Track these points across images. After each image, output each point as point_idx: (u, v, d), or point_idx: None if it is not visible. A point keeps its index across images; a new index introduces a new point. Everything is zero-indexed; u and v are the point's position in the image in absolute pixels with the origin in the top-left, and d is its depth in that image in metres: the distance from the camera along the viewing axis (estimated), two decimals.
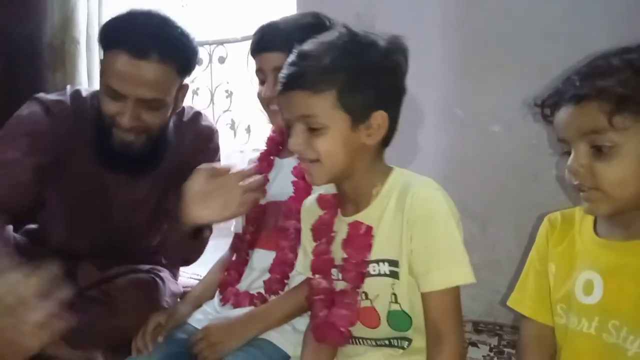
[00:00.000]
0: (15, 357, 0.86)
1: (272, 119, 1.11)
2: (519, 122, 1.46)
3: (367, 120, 0.80)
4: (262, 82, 1.09)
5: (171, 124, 1.26)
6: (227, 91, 2.60)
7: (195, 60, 1.20)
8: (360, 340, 0.89)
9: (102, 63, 1.15)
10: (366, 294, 0.85)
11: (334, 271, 0.89)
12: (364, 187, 0.84)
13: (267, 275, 1.06)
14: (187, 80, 1.22)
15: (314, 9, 1.50)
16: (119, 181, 1.25)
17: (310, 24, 1.04)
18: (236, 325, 0.98)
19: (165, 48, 1.10)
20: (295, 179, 1.07)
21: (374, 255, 0.84)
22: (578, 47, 1.37)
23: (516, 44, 1.49)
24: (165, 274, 1.34)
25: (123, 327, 1.08)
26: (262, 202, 1.13)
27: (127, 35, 1.09)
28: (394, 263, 0.82)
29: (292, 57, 0.81)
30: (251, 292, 1.07)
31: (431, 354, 0.80)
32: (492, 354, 1.32)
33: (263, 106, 1.11)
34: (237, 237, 1.17)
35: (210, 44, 2.62)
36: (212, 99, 2.70)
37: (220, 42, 2.58)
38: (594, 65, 0.74)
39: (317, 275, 0.90)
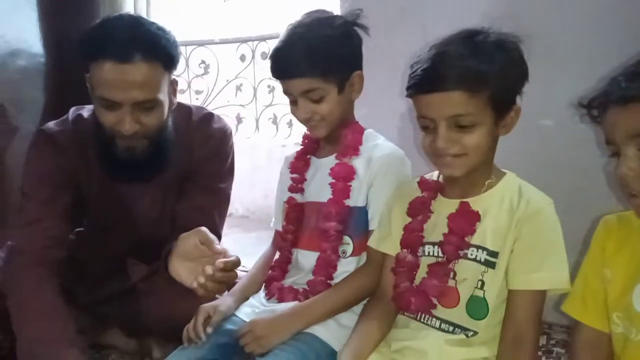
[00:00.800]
0: None
1: (312, 132, 1.12)
2: (570, 118, 1.42)
3: (508, 115, 0.87)
4: (293, 103, 1.08)
5: (173, 123, 1.26)
6: (269, 86, 2.65)
7: (178, 53, 1.19)
8: (428, 318, 0.92)
9: (90, 77, 1.14)
10: (455, 274, 0.90)
11: (425, 248, 0.95)
12: (479, 178, 0.91)
13: (310, 276, 1.08)
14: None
15: (358, 5, 1.50)
16: (134, 191, 1.29)
17: (335, 38, 1.04)
18: (280, 320, 1.00)
19: (147, 47, 1.10)
20: (333, 181, 1.08)
21: (475, 240, 0.90)
22: (633, 36, 1.33)
23: (566, 36, 1.44)
24: None
25: (173, 316, 1.12)
26: (301, 200, 1.15)
27: (107, 43, 1.10)
28: (493, 254, 0.88)
29: (432, 59, 0.84)
30: (295, 287, 1.09)
31: (507, 353, 0.84)
32: (540, 353, 1.30)
33: (301, 122, 1.11)
34: (279, 235, 1.19)
35: (253, 40, 2.67)
36: (254, 95, 2.76)
37: (263, 39, 2.62)
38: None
39: (404, 250, 0.96)
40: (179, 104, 1.29)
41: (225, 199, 1.36)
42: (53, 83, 1.91)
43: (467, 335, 0.89)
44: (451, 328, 0.90)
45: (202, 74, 2.80)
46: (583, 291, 0.85)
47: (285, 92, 1.08)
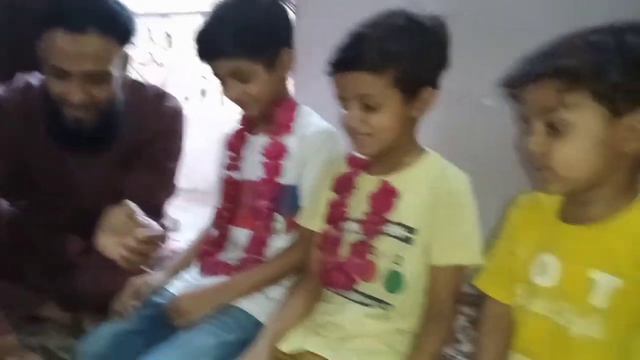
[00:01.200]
0: None
1: (245, 112, 1.13)
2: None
3: (418, 96, 0.87)
4: (222, 84, 1.07)
5: (125, 97, 1.27)
6: None
7: (133, 28, 1.20)
8: (348, 292, 0.95)
9: (43, 45, 1.14)
10: (374, 249, 0.93)
11: (348, 224, 0.97)
12: (399, 155, 0.93)
13: (244, 253, 1.10)
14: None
15: None
16: (81, 162, 1.29)
17: (260, 16, 1.04)
18: (206, 294, 1.02)
19: (103, 19, 1.12)
20: (266, 160, 1.09)
21: (395, 217, 0.92)
22: (576, 16, 1.34)
23: (510, 15, 1.45)
24: None
25: (105, 291, 1.13)
26: (238, 178, 1.16)
27: (62, 13, 1.11)
28: (411, 230, 0.91)
29: (350, 39, 0.87)
30: (229, 262, 1.11)
31: (427, 327, 0.89)
32: (470, 325, 1.34)
33: (232, 101, 1.10)
34: (217, 212, 1.20)
35: None
36: None
37: None
38: (556, 44, 0.73)
39: (329, 226, 0.98)
40: (133, 80, 1.30)
41: (173, 178, 1.38)
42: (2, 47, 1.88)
43: (384, 309, 0.93)
44: (370, 302, 0.94)
45: (166, 47, 2.75)
46: (493, 267, 0.88)
47: (213, 72, 1.07)
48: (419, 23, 0.88)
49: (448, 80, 1.49)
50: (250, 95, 1.06)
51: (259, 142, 1.13)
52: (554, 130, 0.70)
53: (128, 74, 1.28)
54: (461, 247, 0.89)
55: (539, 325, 0.77)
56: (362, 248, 0.94)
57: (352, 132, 0.91)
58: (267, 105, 1.09)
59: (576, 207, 0.77)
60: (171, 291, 1.09)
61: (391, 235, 0.92)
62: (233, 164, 1.17)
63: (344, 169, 1.01)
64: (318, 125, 1.11)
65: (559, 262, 0.76)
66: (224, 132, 1.24)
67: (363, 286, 0.94)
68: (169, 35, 2.77)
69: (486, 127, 1.52)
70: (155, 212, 1.36)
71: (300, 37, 1.79)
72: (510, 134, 1.45)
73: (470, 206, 0.91)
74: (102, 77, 1.16)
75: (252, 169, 1.12)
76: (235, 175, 1.17)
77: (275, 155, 1.09)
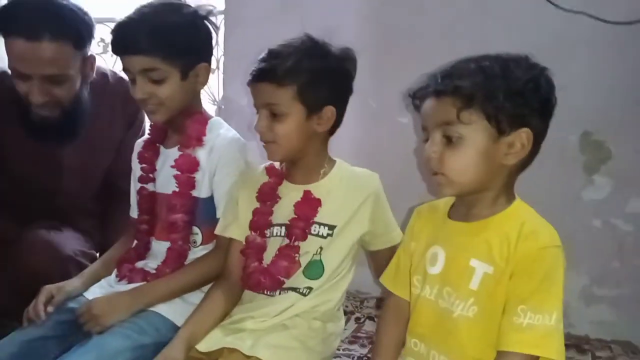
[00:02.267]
0: None
1: (149, 117, 1.14)
2: None
3: (319, 112, 0.98)
4: (132, 82, 1.08)
5: (91, 88, 1.35)
6: None
7: (89, 32, 1.27)
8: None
9: (5, 48, 1.21)
10: (298, 250, 1.02)
11: (273, 229, 1.04)
12: (313, 166, 1.04)
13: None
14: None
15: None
16: (49, 151, 1.36)
17: (180, 23, 1.07)
18: (120, 299, 1.04)
19: (56, 27, 1.19)
20: (178, 173, 1.10)
21: (317, 218, 1.02)
22: (479, 45, 1.48)
23: (424, 40, 1.58)
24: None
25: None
26: (153, 190, 1.17)
27: (17, 21, 1.18)
28: (331, 227, 1.02)
29: (263, 55, 0.97)
30: (146, 269, 1.13)
31: None
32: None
33: (138, 103, 1.11)
34: (135, 224, 1.21)
35: None
36: None
37: None
38: (456, 66, 0.84)
39: (253, 233, 1.04)
40: (98, 68, 1.37)
41: None
42: None
43: (303, 294, 1.01)
44: (289, 292, 1.01)
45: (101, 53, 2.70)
46: (395, 267, 0.98)
47: (125, 69, 1.07)
48: (324, 49, 0.98)
49: (368, 99, 1.63)
50: (158, 97, 1.06)
51: (171, 155, 1.14)
52: (449, 141, 0.81)
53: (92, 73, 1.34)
54: (394, 231, 1.08)
55: (428, 310, 0.88)
56: (288, 251, 1.01)
57: (261, 138, 1.00)
58: (173, 114, 1.10)
59: (463, 208, 0.88)
60: (87, 297, 1.10)
61: (315, 235, 1.02)
62: (146, 176, 1.18)
63: (263, 179, 1.08)
64: (226, 136, 1.13)
65: (446, 252, 0.88)
66: (137, 142, 1.25)
67: (286, 281, 1.01)
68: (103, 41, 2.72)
69: (401, 142, 1.63)
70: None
71: (229, 51, 1.87)
72: (422, 149, 1.60)
73: (384, 199, 1.07)
74: (60, 79, 1.23)
75: (166, 182, 1.13)
76: (150, 187, 1.18)
77: (187, 169, 1.10)
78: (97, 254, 1.41)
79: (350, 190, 1.03)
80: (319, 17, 1.66)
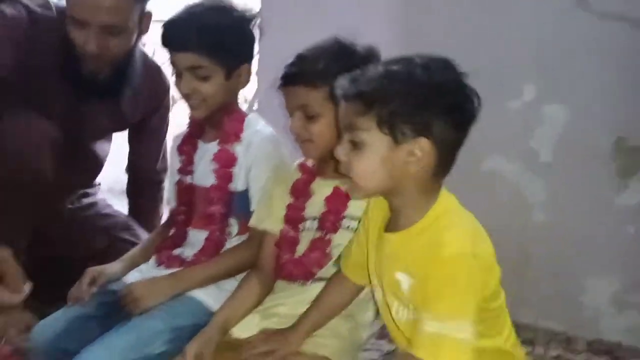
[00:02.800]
0: None
1: (191, 112, 1.17)
2: None
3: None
4: (178, 76, 1.12)
5: (139, 53, 1.39)
6: None
7: None
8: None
9: None
10: (330, 243, 1.04)
11: (306, 223, 1.07)
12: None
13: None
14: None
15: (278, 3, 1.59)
16: (85, 106, 1.37)
17: (229, 25, 1.12)
18: (159, 283, 1.08)
19: None
20: (216, 167, 1.15)
21: (348, 212, 1.03)
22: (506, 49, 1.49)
23: (452, 42, 1.59)
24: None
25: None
26: (191, 182, 1.21)
27: None
28: (360, 219, 1.00)
29: (293, 59, 1.00)
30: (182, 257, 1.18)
31: None
32: None
33: (182, 97, 1.15)
34: (172, 214, 1.26)
35: None
36: None
37: None
38: (367, 69, 0.82)
39: (287, 226, 1.07)
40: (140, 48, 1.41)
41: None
42: None
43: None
44: (321, 282, 1.04)
45: None
46: (352, 255, 0.99)
47: (172, 63, 1.11)
48: (351, 49, 1.01)
49: None
50: (202, 94, 1.10)
51: (209, 149, 1.18)
52: (355, 146, 0.80)
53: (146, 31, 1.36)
54: None
55: (384, 312, 0.91)
56: (320, 244, 1.04)
57: (296, 137, 1.03)
58: (214, 110, 1.14)
59: (394, 217, 0.87)
60: (128, 280, 1.15)
61: (346, 229, 1.04)
62: (185, 168, 1.22)
63: (296, 175, 1.11)
64: (263, 132, 1.17)
65: (379, 264, 0.88)
66: (174, 135, 1.30)
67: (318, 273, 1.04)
68: None
69: None
70: (158, 183, 1.60)
71: (263, 54, 1.93)
72: None
73: None
74: (118, 31, 1.24)
75: (204, 175, 1.18)
76: (187, 179, 1.22)
77: (225, 163, 1.14)
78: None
79: None
80: (349, 20, 1.69)
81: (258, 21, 1.18)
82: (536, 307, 1.56)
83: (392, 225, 0.87)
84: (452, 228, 0.79)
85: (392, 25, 1.67)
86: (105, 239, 1.49)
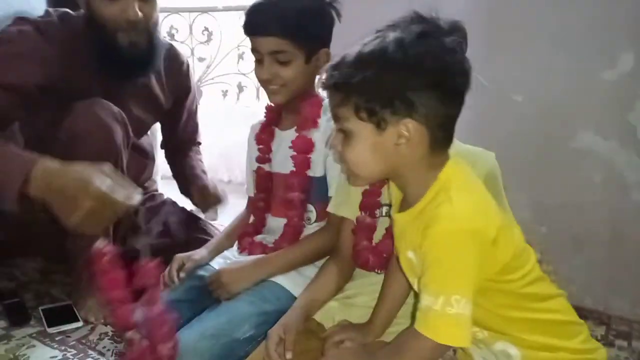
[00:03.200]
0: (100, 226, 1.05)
1: (270, 98, 1.17)
2: (540, 91, 1.48)
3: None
4: (259, 62, 1.12)
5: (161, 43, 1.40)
6: None
7: None
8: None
9: None
10: None
11: (382, 209, 1.05)
12: None
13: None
14: None
15: None
16: (121, 90, 1.37)
17: (309, 8, 1.10)
18: (245, 269, 1.12)
19: None
20: (295, 154, 1.16)
21: None
22: (602, 16, 1.37)
23: (539, 14, 1.48)
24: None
25: None
26: (269, 170, 1.24)
27: None
28: None
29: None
30: (264, 243, 1.21)
31: None
32: None
33: (261, 84, 1.17)
34: (251, 201, 1.29)
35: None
36: None
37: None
38: (344, 56, 0.79)
39: (363, 213, 1.06)
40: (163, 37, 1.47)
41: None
42: None
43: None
44: None
45: (205, 41, 2.86)
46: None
47: (253, 49, 1.12)
48: (433, 24, 0.87)
49: (478, 75, 1.57)
50: (282, 78, 1.11)
51: (287, 136, 1.19)
52: (344, 134, 0.79)
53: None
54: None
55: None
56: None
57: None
58: (293, 95, 1.14)
59: (404, 197, 0.86)
60: (213, 266, 1.20)
61: None
62: (263, 156, 1.25)
63: None
64: None
65: (397, 245, 0.89)
66: (252, 124, 1.31)
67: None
68: (208, 31, 2.88)
69: (513, 121, 1.56)
70: (197, 144, 1.70)
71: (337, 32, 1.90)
72: (534, 128, 1.52)
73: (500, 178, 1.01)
74: None
75: (282, 162, 1.20)
76: (266, 167, 1.25)
77: (303, 150, 1.15)
78: None
79: None
80: None
81: (337, 5, 1.15)
82: (630, 295, 1.45)
83: (403, 205, 0.87)
84: (447, 203, 0.76)
85: None
86: (183, 233, 1.52)
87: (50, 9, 1.34)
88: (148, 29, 1.28)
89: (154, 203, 1.63)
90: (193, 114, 1.67)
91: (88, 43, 1.27)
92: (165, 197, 1.71)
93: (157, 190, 1.74)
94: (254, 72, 1.16)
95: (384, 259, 1.03)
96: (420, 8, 0.97)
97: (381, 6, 1.70)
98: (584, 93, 1.43)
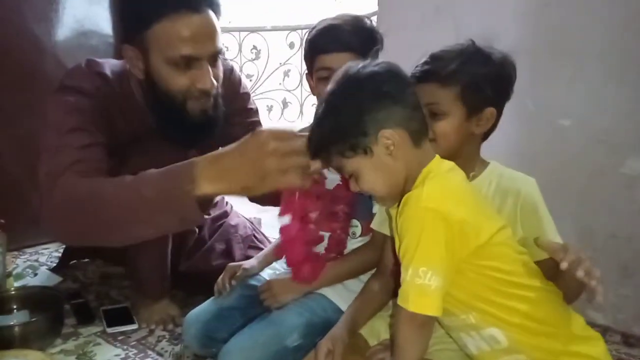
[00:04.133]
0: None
1: None
2: (589, 117, 1.48)
3: (480, 114, 1.01)
4: (327, 80, 1.08)
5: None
6: None
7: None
8: None
9: (148, 41, 1.08)
10: None
11: None
12: (463, 169, 0.98)
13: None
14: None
15: (395, 4, 1.61)
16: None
17: (368, 29, 1.19)
18: (294, 281, 1.16)
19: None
20: None
21: None
22: None
23: (589, 38, 1.49)
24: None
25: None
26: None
27: None
28: None
29: (425, 58, 1.03)
30: None
31: None
32: None
33: None
34: None
35: (301, 28, 2.82)
36: (300, 81, 2.91)
37: (312, 27, 2.74)
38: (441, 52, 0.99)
39: None
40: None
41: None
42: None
43: None
44: None
45: (253, 59, 2.97)
46: None
47: (323, 67, 1.15)
48: (485, 53, 1.01)
49: (526, 100, 1.59)
50: None
51: None
52: (353, 176, 0.91)
53: None
54: (554, 239, 0.96)
55: None
56: None
57: None
58: None
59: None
60: (264, 276, 1.26)
61: None
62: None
63: None
64: None
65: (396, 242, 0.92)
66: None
67: None
68: (256, 49, 2.99)
69: (560, 146, 1.56)
70: None
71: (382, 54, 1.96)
72: (582, 153, 1.51)
73: (543, 203, 1.00)
74: (217, 57, 1.12)
75: (330, 177, 1.22)
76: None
77: None
78: None
79: (499, 193, 1.02)
80: (474, 19, 1.66)
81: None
82: None
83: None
84: (420, 188, 0.85)
85: (516, 19, 1.61)
86: (242, 253, 1.52)
87: (93, 75, 1.18)
88: (217, 92, 1.15)
89: (218, 212, 1.64)
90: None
91: (149, 110, 1.17)
92: (226, 202, 1.69)
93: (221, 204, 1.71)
94: (313, 90, 1.23)
95: None
96: (476, 37, 1.03)
97: (427, 30, 1.76)
98: (633, 119, 1.43)
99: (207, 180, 0.94)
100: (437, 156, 0.92)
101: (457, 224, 0.82)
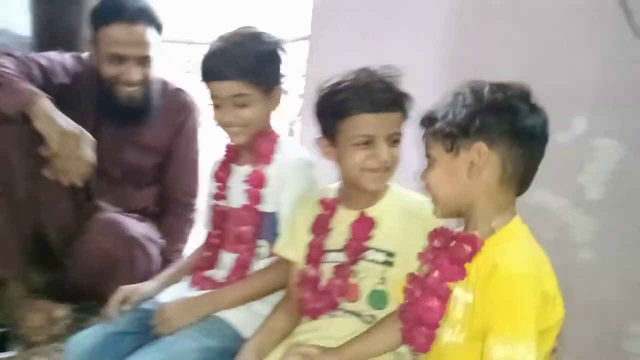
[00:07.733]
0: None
1: (232, 139, 1.20)
2: None
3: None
4: (217, 107, 1.15)
5: (157, 87, 1.56)
6: None
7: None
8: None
9: (97, 38, 1.46)
10: (356, 273, 1.04)
11: (330, 255, 1.06)
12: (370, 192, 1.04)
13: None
14: None
15: (327, 29, 1.61)
16: (121, 135, 1.57)
17: (263, 52, 1.15)
18: (189, 303, 1.11)
19: (149, 13, 1.47)
20: (250, 187, 1.17)
21: (373, 243, 1.03)
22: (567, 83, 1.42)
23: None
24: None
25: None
26: (224, 205, 1.24)
27: (119, 9, 1.44)
28: (390, 254, 1.02)
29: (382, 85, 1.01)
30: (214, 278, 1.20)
31: None
32: None
33: (221, 127, 1.18)
34: (207, 237, 1.29)
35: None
36: None
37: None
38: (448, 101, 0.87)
39: (308, 265, 1.07)
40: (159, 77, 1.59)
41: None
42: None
43: (366, 321, 1.02)
44: (355, 317, 1.03)
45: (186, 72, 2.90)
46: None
47: (212, 95, 1.15)
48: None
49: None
50: (243, 120, 1.14)
51: (242, 171, 1.21)
52: (429, 162, 0.89)
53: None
54: None
55: None
56: (343, 271, 1.04)
57: (385, 164, 1.02)
58: (253, 134, 1.17)
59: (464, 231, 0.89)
60: (161, 300, 1.18)
61: (371, 261, 1.03)
62: (220, 193, 1.25)
63: (318, 210, 1.10)
64: (296, 154, 1.19)
65: None
66: (213, 161, 1.32)
67: (347, 305, 1.03)
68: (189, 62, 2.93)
69: None
70: (185, 205, 1.70)
71: (310, 75, 1.95)
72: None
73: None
74: (149, 60, 1.48)
75: (237, 197, 1.21)
76: (222, 203, 1.25)
77: (256, 184, 1.17)
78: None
79: (406, 216, 1.03)
80: (401, 46, 1.68)
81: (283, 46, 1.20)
82: (575, 353, 1.47)
83: None
84: (507, 247, 0.81)
85: (439, 50, 1.65)
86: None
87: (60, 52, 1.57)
88: (146, 85, 1.50)
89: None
90: (188, 168, 1.68)
91: (92, 86, 1.51)
92: None
93: None
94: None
95: (333, 300, 1.03)
96: (392, 62, 1.02)
97: (354, 53, 1.77)
98: None
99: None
100: (519, 217, 0.86)
101: (544, 292, 0.78)
